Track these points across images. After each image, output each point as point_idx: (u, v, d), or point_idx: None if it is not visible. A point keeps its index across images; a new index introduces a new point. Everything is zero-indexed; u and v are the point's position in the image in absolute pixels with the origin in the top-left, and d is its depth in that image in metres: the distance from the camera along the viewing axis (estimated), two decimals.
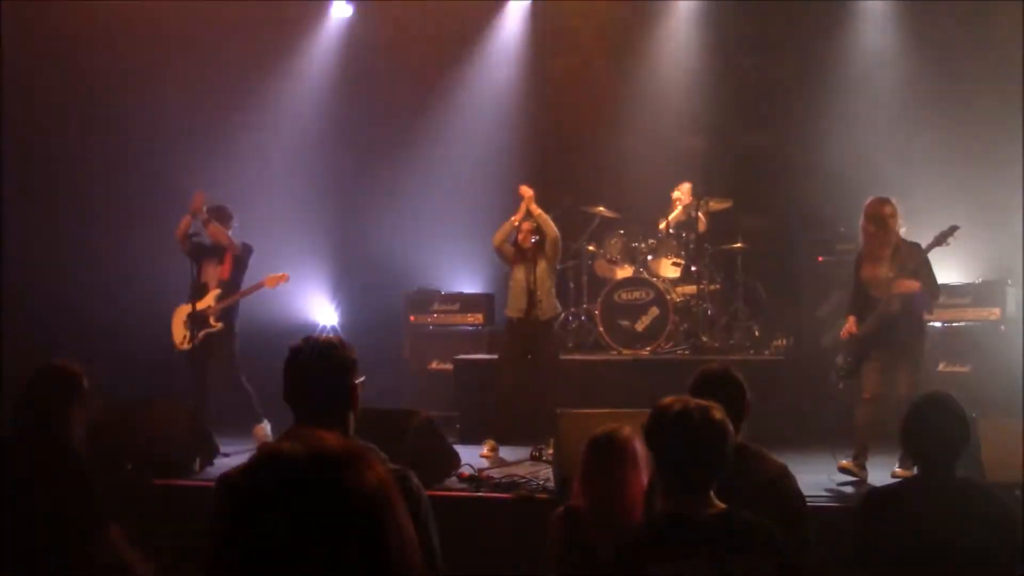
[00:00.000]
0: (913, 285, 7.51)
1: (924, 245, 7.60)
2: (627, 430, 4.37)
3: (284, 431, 3.37)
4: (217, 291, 9.46)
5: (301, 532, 1.36)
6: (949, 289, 9.61)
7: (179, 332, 9.38)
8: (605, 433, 4.39)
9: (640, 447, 4.31)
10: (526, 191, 9.21)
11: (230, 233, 9.46)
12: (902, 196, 8.03)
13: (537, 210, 9.11)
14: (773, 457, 4.21)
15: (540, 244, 9.01)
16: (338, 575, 1.37)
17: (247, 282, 9.57)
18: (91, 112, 11.43)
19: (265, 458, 1.45)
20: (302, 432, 3.13)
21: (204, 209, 9.30)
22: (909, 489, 4.07)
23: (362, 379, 3.47)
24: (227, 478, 3.30)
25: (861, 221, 7.82)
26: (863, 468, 7.39)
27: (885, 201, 7.71)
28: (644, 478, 4.22)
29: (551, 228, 9.09)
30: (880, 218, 7.66)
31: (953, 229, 7.54)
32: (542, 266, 9.03)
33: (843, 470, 7.36)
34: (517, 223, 9.07)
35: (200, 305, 9.37)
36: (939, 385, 6.55)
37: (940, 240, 7.56)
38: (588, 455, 4.37)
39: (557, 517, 4.40)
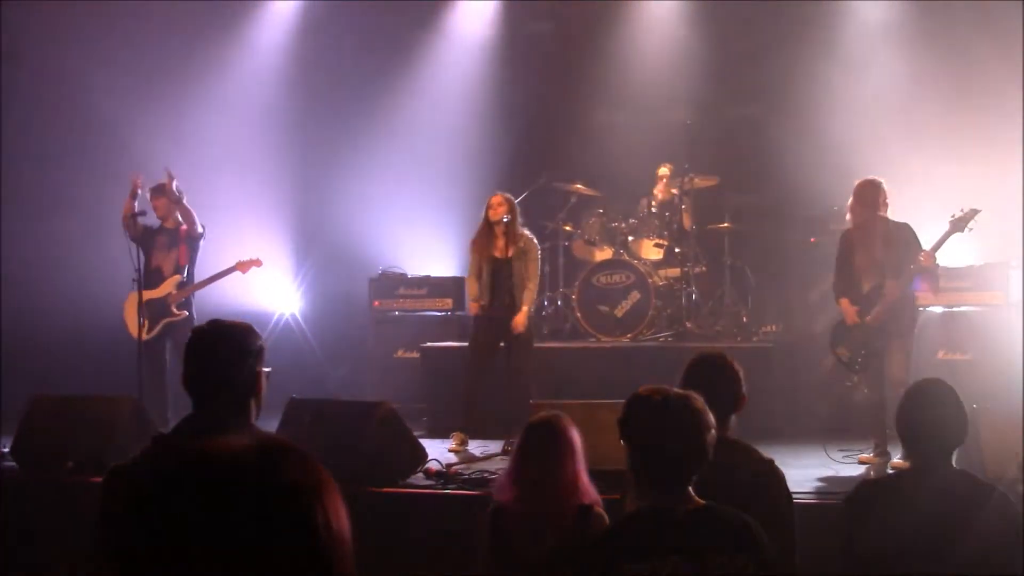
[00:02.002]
0: (930, 259, 7.60)
1: (943, 233, 7.65)
2: (565, 418, 4.45)
3: (182, 420, 3.39)
4: (177, 277, 9.43)
5: (219, 531, 1.37)
6: (948, 272, 9.64)
7: (134, 322, 9.31)
8: (541, 419, 4.46)
9: (577, 437, 4.39)
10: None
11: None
12: (900, 172, 8.07)
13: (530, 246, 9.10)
14: (760, 452, 4.22)
15: (519, 254, 8.97)
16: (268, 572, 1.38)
17: (199, 266, 9.55)
18: (24, 87, 11.29)
19: (192, 458, 1.44)
20: (203, 418, 3.16)
21: (175, 187, 9.30)
22: (901, 482, 4.09)
23: (268, 370, 3.51)
24: (123, 474, 3.34)
25: (850, 203, 7.96)
26: (882, 455, 7.76)
27: (877, 186, 7.85)
28: (581, 470, 4.29)
29: (534, 272, 9.09)
30: (872, 204, 7.83)
31: (973, 213, 7.55)
32: (519, 268, 8.97)
33: (864, 462, 7.73)
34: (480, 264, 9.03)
35: (158, 293, 9.32)
36: (938, 374, 6.59)
37: (959, 226, 7.58)
38: (524, 442, 4.43)
39: (486, 516, 4.45)
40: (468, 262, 9.24)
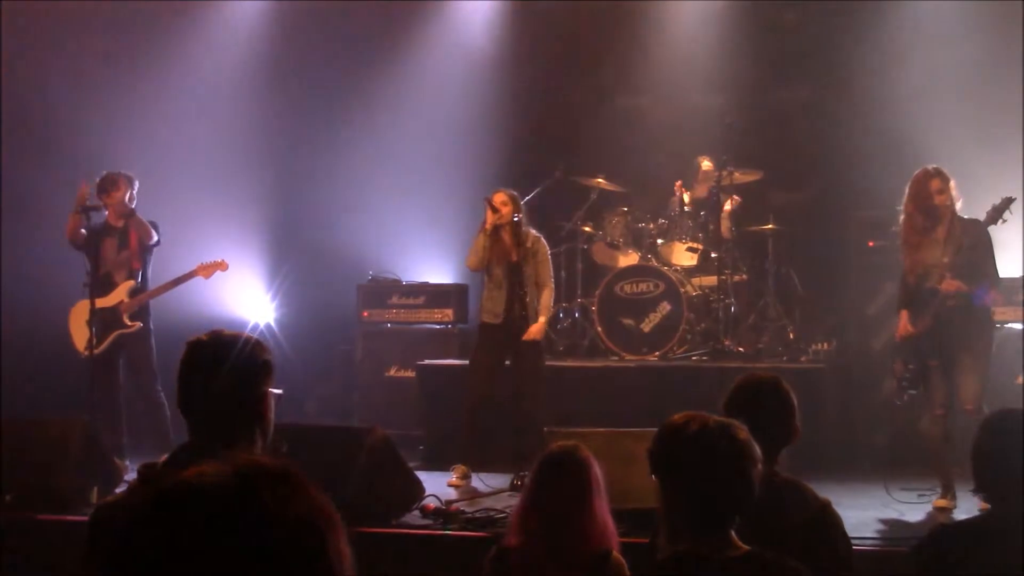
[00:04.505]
0: (955, 285, 7.62)
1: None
2: (584, 448, 4.42)
3: (176, 447, 3.36)
4: (130, 283, 9.39)
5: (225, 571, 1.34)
6: (1010, 282, 9.52)
7: (81, 335, 9.29)
8: (560, 450, 4.43)
9: (599, 473, 4.36)
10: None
11: (134, 204, 9.42)
12: (971, 165, 8.02)
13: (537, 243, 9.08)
14: (812, 490, 4.22)
15: (527, 256, 8.97)
16: None
17: (155, 269, 9.54)
18: None
19: (181, 487, 1.40)
20: (201, 448, 3.12)
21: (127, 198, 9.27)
22: (981, 528, 4.04)
23: (279, 392, 3.47)
24: (108, 511, 3.31)
25: (904, 198, 7.99)
26: (954, 498, 7.56)
27: (931, 174, 7.87)
28: (604, 511, 4.26)
29: (548, 274, 9.12)
30: (923, 195, 7.84)
31: (1008, 202, 7.62)
32: (528, 273, 8.97)
33: (940, 508, 7.56)
34: (489, 226, 8.94)
35: (108, 301, 9.28)
36: (1017, 402, 6.54)
37: (994, 217, 7.64)
38: (539, 476, 4.40)
39: (488, 561, 4.42)
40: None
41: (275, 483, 1.41)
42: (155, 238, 9.46)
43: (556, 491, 4.37)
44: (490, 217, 8.89)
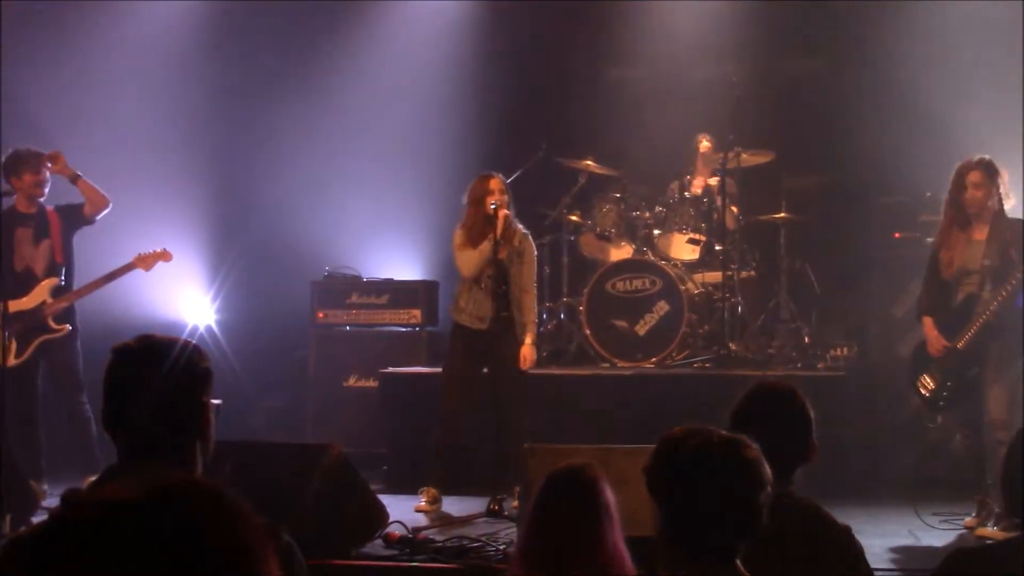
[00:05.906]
0: None
1: None
2: (594, 467, 4.41)
3: (105, 468, 3.35)
4: (52, 280, 9.26)
5: None
6: None
7: None
8: (566, 470, 4.42)
9: (612, 496, 4.35)
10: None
11: (47, 187, 9.35)
12: (1011, 147, 8.04)
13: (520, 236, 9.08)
14: (831, 515, 4.23)
15: (514, 255, 8.96)
16: None
17: (78, 261, 9.50)
18: None
19: (80, 511, 1.39)
20: (132, 468, 3.11)
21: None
22: (1005, 551, 4.06)
23: (218, 402, 3.45)
24: (20, 547, 3.29)
25: (948, 188, 8.01)
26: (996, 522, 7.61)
27: (972, 165, 7.87)
28: (619, 539, 4.25)
29: (532, 278, 9.11)
30: (958, 186, 7.88)
31: None
32: (514, 274, 8.96)
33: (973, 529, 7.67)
34: (499, 234, 8.89)
35: (28, 303, 9.17)
36: None
37: None
38: (542, 501, 4.39)
39: None
40: (449, 254, 9.22)
41: (193, 504, 1.40)
42: (108, 203, 9.36)
43: (562, 518, 4.34)
44: (500, 225, 8.77)
